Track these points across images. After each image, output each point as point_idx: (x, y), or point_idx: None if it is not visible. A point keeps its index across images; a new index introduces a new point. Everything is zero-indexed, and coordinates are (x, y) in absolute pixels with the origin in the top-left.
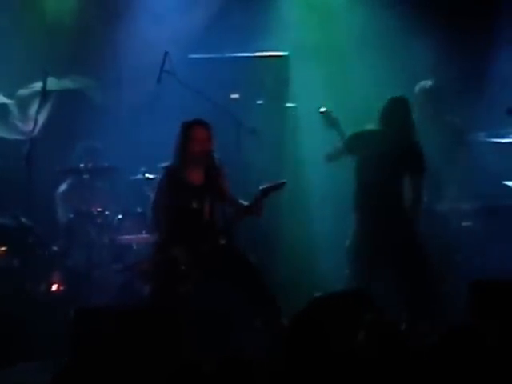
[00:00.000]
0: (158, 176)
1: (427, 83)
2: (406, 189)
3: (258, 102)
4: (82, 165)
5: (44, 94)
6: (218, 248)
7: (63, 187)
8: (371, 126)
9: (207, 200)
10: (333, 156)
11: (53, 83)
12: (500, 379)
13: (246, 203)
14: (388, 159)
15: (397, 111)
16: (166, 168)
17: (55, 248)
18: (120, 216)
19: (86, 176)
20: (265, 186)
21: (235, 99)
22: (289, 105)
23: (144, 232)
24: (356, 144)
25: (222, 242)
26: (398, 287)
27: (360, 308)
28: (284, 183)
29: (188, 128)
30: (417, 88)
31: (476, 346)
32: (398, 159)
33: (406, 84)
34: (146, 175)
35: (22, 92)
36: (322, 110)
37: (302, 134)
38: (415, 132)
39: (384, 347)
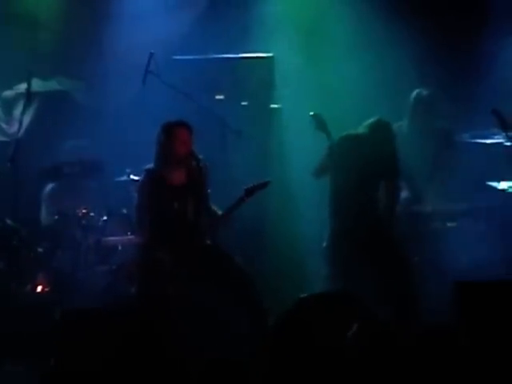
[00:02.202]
0: (140, 178)
1: (422, 92)
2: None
3: (243, 103)
4: (65, 166)
5: (28, 96)
6: (202, 249)
7: (50, 187)
8: (354, 129)
9: (190, 200)
10: (320, 170)
11: (38, 84)
12: (474, 378)
13: (219, 212)
14: (362, 163)
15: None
16: (148, 170)
17: (40, 250)
18: (105, 217)
19: (71, 174)
20: (249, 186)
21: (220, 100)
22: (274, 106)
23: (129, 233)
24: (339, 149)
25: (207, 242)
26: (374, 287)
27: (348, 309)
28: (268, 182)
29: (170, 129)
30: (412, 97)
31: (451, 346)
32: (371, 163)
33: (396, 85)
34: (131, 176)
35: (7, 93)
36: (312, 113)
37: (287, 134)
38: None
39: (374, 347)
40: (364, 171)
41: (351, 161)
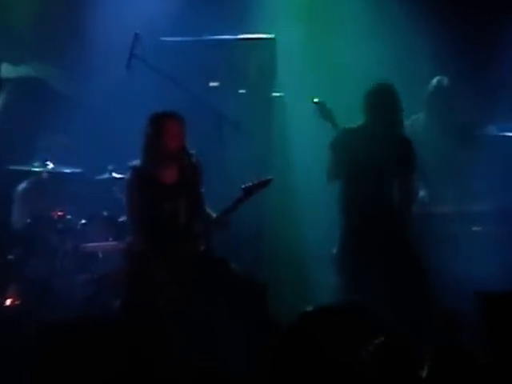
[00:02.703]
0: (126, 177)
1: (443, 80)
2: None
3: (241, 91)
4: (40, 163)
5: None
6: (196, 255)
7: (22, 187)
8: (358, 122)
9: (183, 202)
10: (332, 173)
11: (8, 70)
12: None
13: (213, 215)
14: (374, 158)
15: (383, 102)
16: (134, 168)
17: (11, 257)
18: (84, 220)
19: (46, 175)
20: (248, 184)
21: (214, 88)
22: (275, 94)
23: (111, 239)
24: (341, 143)
25: (201, 247)
26: (388, 301)
27: (359, 323)
28: (270, 180)
29: (158, 121)
30: (431, 85)
31: (470, 364)
32: (384, 158)
33: (412, 73)
34: (114, 174)
35: None
36: (316, 100)
37: (291, 126)
38: (403, 125)
39: (390, 363)
40: (368, 166)
41: (355, 156)
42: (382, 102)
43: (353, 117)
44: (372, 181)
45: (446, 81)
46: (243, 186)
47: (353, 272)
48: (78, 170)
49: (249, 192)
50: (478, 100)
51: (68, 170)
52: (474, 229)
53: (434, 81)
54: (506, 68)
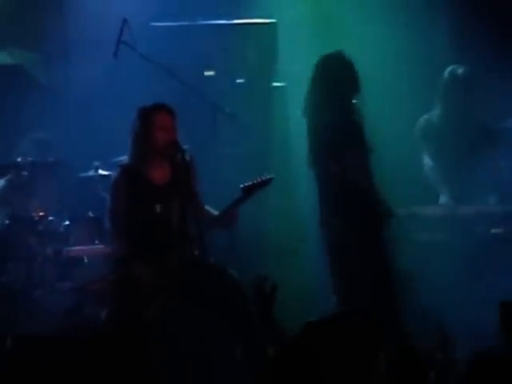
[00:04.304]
0: (113, 175)
1: (458, 70)
2: None
3: (239, 80)
4: (19, 159)
5: None
6: (189, 261)
7: (0, 184)
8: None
9: (175, 202)
10: None
11: None
12: None
13: (215, 212)
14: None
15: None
16: (122, 166)
17: None
18: (67, 222)
19: (25, 173)
20: (247, 184)
21: (210, 77)
22: (276, 84)
23: (97, 242)
24: None
25: (195, 253)
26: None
27: (368, 336)
28: (271, 179)
29: (147, 114)
30: (445, 76)
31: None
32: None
33: (423, 64)
34: (100, 171)
35: None
36: None
37: (293, 119)
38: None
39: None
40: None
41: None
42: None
43: (365, 107)
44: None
45: (462, 70)
46: (242, 186)
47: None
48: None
49: (248, 192)
50: (498, 92)
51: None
52: (494, 231)
53: (448, 70)
54: None
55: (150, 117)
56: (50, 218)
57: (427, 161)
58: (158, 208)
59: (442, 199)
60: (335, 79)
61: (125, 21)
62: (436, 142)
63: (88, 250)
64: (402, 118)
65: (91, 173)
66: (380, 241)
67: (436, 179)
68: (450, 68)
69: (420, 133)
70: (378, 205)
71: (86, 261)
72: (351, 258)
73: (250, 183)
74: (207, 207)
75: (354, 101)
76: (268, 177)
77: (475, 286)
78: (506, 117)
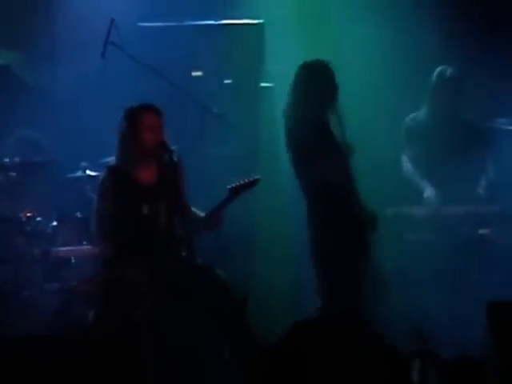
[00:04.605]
0: (101, 176)
1: (447, 70)
2: None
3: (226, 81)
4: (6, 159)
5: None
6: (177, 262)
7: None
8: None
9: (162, 203)
10: None
11: None
12: None
13: (201, 214)
14: None
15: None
16: (109, 166)
17: None
18: (55, 222)
19: (12, 173)
20: (234, 184)
21: (197, 77)
22: (264, 85)
23: (85, 243)
24: None
25: (183, 254)
26: None
27: (355, 336)
28: (257, 180)
29: (134, 114)
30: (433, 76)
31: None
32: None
33: (411, 63)
34: (88, 172)
35: None
36: None
37: (281, 119)
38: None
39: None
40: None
41: None
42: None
43: (349, 107)
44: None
45: (451, 70)
46: (229, 186)
47: None
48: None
49: (235, 192)
50: (487, 92)
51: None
52: (481, 231)
53: (437, 71)
54: None
55: (137, 117)
56: (38, 219)
57: (406, 161)
58: (145, 209)
59: (427, 197)
60: (310, 86)
61: (112, 21)
62: (422, 141)
63: (76, 250)
64: (390, 117)
65: (79, 173)
66: (360, 244)
67: (418, 178)
68: (439, 68)
69: (405, 132)
70: (356, 208)
71: (73, 261)
72: (332, 260)
73: (237, 184)
74: (193, 209)
75: (331, 107)
76: (255, 177)
77: (461, 285)
78: (494, 116)
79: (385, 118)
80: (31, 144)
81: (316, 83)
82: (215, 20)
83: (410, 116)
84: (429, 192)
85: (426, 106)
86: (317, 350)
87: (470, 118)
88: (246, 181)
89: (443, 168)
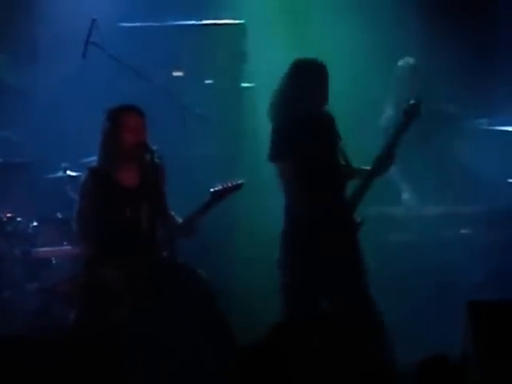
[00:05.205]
0: (82, 177)
1: (410, 61)
2: None
3: (207, 81)
4: None
5: None
6: (158, 264)
7: None
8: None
9: (144, 204)
10: None
11: None
12: None
13: (179, 219)
14: None
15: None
16: (90, 168)
17: None
18: (35, 223)
19: None
20: (217, 188)
21: (179, 78)
22: (245, 85)
23: (66, 243)
24: None
25: (164, 254)
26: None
27: (337, 336)
28: (241, 184)
29: (116, 115)
30: (398, 68)
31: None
32: None
33: (392, 60)
34: (68, 172)
35: None
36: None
37: (263, 120)
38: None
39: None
40: None
41: None
42: None
43: (331, 106)
44: None
45: (413, 60)
46: (212, 190)
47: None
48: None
49: (218, 196)
50: (472, 91)
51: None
52: (463, 232)
53: (401, 62)
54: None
55: (120, 118)
56: (19, 219)
57: None
58: (127, 210)
59: (404, 196)
60: (307, 84)
61: (93, 21)
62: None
63: (56, 251)
64: (371, 117)
65: (60, 174)
66: (324, 246)
67: (396, 178)
68: (401, 60)
69: (383, 132)
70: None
71: (54, 262)
72: (299, 259)
73: (221, 188)
74: (172, 213)
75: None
76: (239, 181)
77: (442, 285)
78: (477, 117)
79: (366, 117)
80: (6, 143)
81: (312, 81)
82: (196, 20)
83: (384, 116)
84: (407, 193)
85: (391, 101)
86: (297, 351)
87: (446, 110)
88: (230, 185)
89: (418, 163)
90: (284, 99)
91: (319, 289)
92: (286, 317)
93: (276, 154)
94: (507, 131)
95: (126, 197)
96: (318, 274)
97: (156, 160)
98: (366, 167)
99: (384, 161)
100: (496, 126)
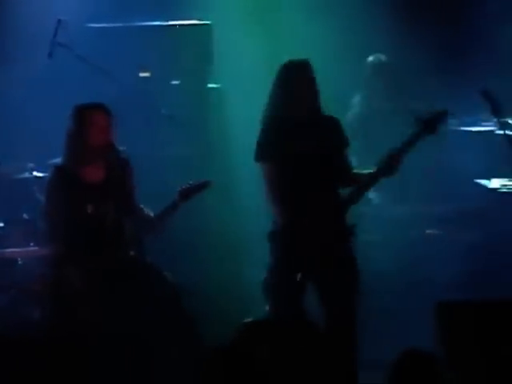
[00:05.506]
0: (48, 175)
1: (381, 57)
2: None
3: (174, 82)
4: None
5: None
6: (125, 262)
7: None
8: None
9: (110, 203)
10: None
11: None
12: None
13: (150, 213)
14: None
15: None
16: (56, 167)
17: None
18: (1, 224)
19: None
20: (185, 187)
21: (146, 78)
22: (212, 86)
23: (32, 244)
24: None
25: (131, 253)
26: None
27: (305, 337)
28: (209, 183)
29: (82, 113)
30: (368, 64)
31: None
32: None
33: (364, 59)
34: (34, 173)
35: None
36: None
37: (230, 121)
38: None
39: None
40: None
41: None
42: None
43: None
44: None
45: (384, 57)
46: (179, 189)
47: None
48: None
49: (185, 195)
50: (442, 90)
51: None
52: (429, 232)
53: (371, 58)
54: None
55: (85, 116)
56: None
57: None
58: (92, 209)
59: (372, 196)
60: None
61: (59, 21)
62: (361, 134)
63: (22, 251)
64: (343, 117)
65: (26, 174)
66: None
67: None
68: (371, 56)
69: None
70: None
71: (20, 262)
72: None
73: (187, 187)
74: (146, 210)
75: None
76: (205, 180)
77: (409, 285)
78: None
79: (338, 116)
80: None
81: (299, 82)
82: (163, 21)
83: (350, 112)
84: (372, 192)
85: (359, 97)
86: (266, 352)
87: (410, 106)
88: (197, 184)
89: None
90: (271, 100)
91: (303, 289)
92: (273, 317)
93: (260, 155)
94: (474, 131)
95: (91, 195)
96: (303, 274)
97: (122, 159)
98: (366, 171)
99: (390, 165)
100: (463, 126)
